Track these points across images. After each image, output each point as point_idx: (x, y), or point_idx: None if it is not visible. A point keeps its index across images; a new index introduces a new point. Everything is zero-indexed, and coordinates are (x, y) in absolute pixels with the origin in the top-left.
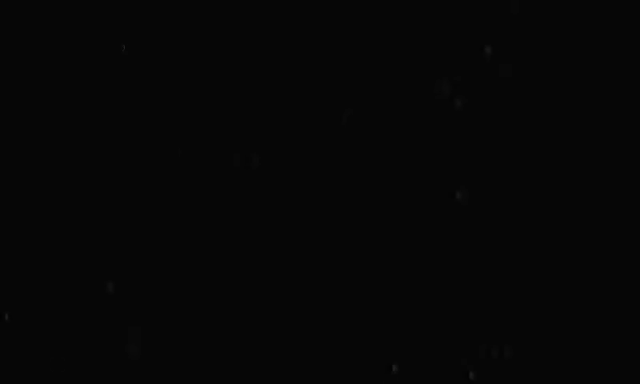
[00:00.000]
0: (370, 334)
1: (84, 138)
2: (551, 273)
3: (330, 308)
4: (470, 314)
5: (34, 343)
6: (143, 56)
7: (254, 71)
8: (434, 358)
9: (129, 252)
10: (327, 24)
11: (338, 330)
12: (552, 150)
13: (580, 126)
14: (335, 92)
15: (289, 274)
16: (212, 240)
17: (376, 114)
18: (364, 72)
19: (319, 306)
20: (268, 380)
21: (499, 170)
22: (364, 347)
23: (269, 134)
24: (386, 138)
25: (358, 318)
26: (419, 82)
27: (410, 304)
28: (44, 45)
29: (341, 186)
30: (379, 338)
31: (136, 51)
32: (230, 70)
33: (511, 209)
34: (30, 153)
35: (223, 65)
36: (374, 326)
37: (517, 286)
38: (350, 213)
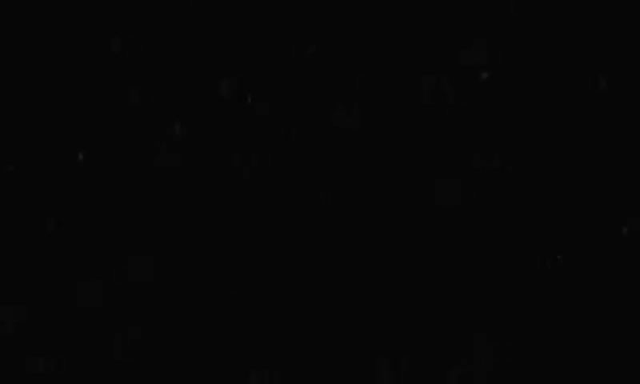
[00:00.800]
0: (367, 334)
1: (81, 136)
2: (549, 272)
3: (325, 308)
4: (470, 312)
5: (31, 342)
6: (140, 53)
7: (251, 72)
8: (431, 356)
9: (127, 251)
10: (329, 24)
11: (332, 329)
12: (549, 150)
13: (580, 126)
14: (330, 92)
15: (286, 274)
16: (211, 240)
17: (373, 115)
18: (361, 72)
19: (313, 307)
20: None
21: (498, 170)
22: (363, 346)
23: (267, 134)
24: (383, 138)
25: (355, 317)
26: (417, 80)
27: (409, 303)
28: (38, 43)
29: (337, 185)
30: (378, 338)
31: (132, 49)
32: (228, 69)
33: (510, 208)
34: (26, 152)
35: (221, 64)
36: (372, 325)
37: (516, 286)
38: (346, 213)
